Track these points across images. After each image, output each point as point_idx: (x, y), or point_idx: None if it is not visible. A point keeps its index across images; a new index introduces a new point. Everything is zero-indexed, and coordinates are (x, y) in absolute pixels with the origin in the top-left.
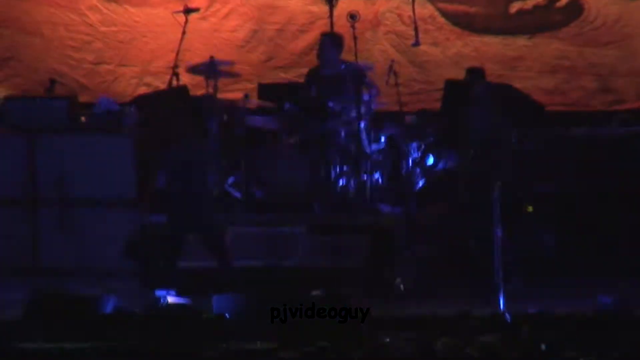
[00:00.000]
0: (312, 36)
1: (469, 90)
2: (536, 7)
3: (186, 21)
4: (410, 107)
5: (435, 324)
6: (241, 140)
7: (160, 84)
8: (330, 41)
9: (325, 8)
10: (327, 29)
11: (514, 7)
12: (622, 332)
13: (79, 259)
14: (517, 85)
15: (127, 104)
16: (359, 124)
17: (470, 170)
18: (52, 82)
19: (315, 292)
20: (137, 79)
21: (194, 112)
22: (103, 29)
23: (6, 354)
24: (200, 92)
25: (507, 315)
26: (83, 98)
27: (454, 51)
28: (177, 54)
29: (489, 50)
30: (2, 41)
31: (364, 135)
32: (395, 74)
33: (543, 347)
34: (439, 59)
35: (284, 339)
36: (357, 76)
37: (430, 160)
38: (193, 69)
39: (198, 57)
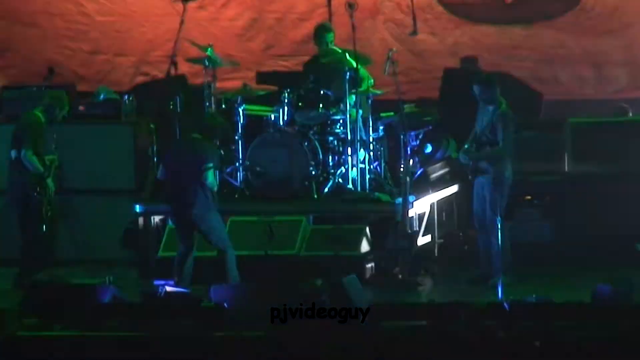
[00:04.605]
0: (311, 25)
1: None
2: None
3: (184, 10)
4: (409, 95)
5: (433, 311)
6: (240, 128)
7: (158, 73)
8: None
9: None
10: (326, 17)
11: None
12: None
13: (78, 248)
14: (514, 74)
15: (125, 93)
16: (357, 112)
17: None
18: (51, 70)
19: (315, 280)
20: (134, 68)
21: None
22: (99, 18)
23: (4, 342)
24: (198, 81)
25: (506, 304)
26: (80, 88)
27: (452, 40)
28: (176, 43)
29: (486, 39)
30: None
31: (362, 124)
32: (394, 62)
33: (537, 344)
34: (437, 48)
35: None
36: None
37: (428, 149)
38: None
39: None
